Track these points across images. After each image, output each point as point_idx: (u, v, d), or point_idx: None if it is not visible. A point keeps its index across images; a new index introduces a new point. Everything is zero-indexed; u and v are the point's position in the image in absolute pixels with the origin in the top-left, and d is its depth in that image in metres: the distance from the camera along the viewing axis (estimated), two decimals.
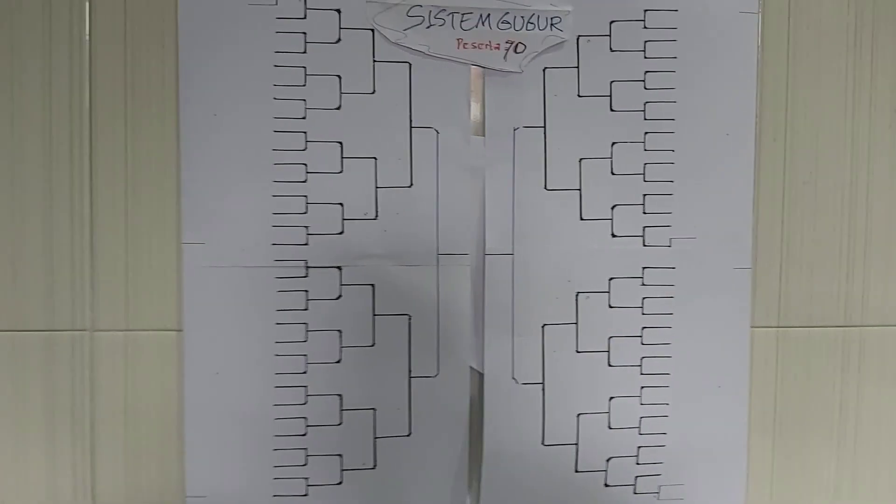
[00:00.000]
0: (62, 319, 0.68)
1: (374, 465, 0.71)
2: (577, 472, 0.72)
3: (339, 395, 0.70)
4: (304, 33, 0.68)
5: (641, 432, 0.73)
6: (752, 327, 0.73)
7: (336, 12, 0.68)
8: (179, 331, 0.68)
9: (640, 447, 0.73)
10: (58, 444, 0.69)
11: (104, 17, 0.67)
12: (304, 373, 0.69)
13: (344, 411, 0.70)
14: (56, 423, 0.69)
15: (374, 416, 0.70)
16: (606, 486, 0.73)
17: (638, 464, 0.73)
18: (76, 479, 0.69)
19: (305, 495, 0.70)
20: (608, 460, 0.73)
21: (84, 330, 0.68)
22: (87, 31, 0.67)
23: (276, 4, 0.67)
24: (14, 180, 0.67)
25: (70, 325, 0.68)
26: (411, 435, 0.71)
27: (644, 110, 0.71)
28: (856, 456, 0.76)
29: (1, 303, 0.68)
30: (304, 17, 0.67)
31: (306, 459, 0.70)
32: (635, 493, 0.73)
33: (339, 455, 0.70)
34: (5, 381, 0.68)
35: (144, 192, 0.68)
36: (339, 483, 0.71)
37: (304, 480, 0.70)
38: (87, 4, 0.67)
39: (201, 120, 0.67)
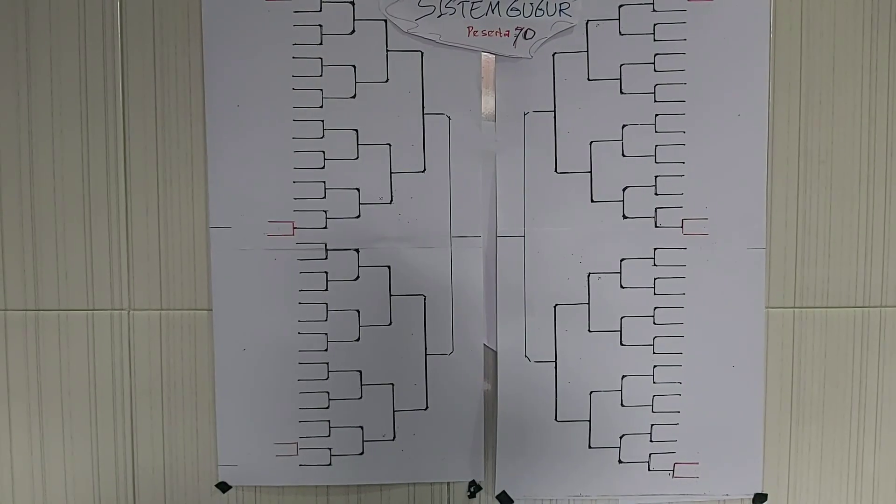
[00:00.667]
0: (102, 300, 0.73)
1: (394, 437, 0.74)
2: (590, 447, 0.74)
3: (360, 371, 0.73)
4: (320, 26, 0.70)
5: (654, 410, 0.74)
6: (767, 307, 0.74)
7: (350, 4, 0.70)
8: (209, 310, 0.73)
9: (653, 425, 0.74)
10: (100, 415, 0.74)
11: (134, 17, 0.71)
12: (326, 350, 0.73)
13: (364, 386, 0.74)
14: (99, 395, 0.74)
15: (393, 390, 0.74)
16: (620, 462, 0.75)
17: (651, 441, 0.74)
18: (116, 448, 0.75)
19: (329, 465, 0.74)
20: (621, 437, 0.74)
21: (123, 309, 0.74)
22: (119, 32, 0.71)
23: None
24: (55, 173, 0.72)
25: (110, 305, 0.73)
26: (428, 409, 0.74)
27: (654, 92, 0.71)
28: (877, 436, 0.75)
29: (47, 285, 0.73)
30: (320, 10, 0.70)
31: (330, 431, 0.74)
32: (649, 471, 0.75)
33: (361, 427, 0.74)
34: (52, 355, 0.74)
35: (175, 181, 0.72)
36: (361, 453, 0.74)
37: (328, 450, 0.74)
38: (119, 7, 0.71)
39: (226, 112, 0.71)
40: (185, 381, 0.74)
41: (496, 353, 0.73)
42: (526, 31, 0.70)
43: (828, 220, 0.73)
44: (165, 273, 0.73)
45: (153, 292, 0.73)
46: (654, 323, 0.73)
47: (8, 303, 0.73)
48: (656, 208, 0.72)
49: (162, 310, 0.73)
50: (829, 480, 0.76)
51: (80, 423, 0.74)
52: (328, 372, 0.73)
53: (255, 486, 0.75)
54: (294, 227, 0.72)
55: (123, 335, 0.73)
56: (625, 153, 0.72)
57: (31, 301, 0.73)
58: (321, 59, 0.71)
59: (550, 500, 0.75)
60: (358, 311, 0.73)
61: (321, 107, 0.71)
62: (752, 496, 0.75)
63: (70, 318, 0.73)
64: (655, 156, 0.72)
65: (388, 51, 0.71)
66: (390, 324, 0.73)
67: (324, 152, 0.71)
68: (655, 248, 0.73)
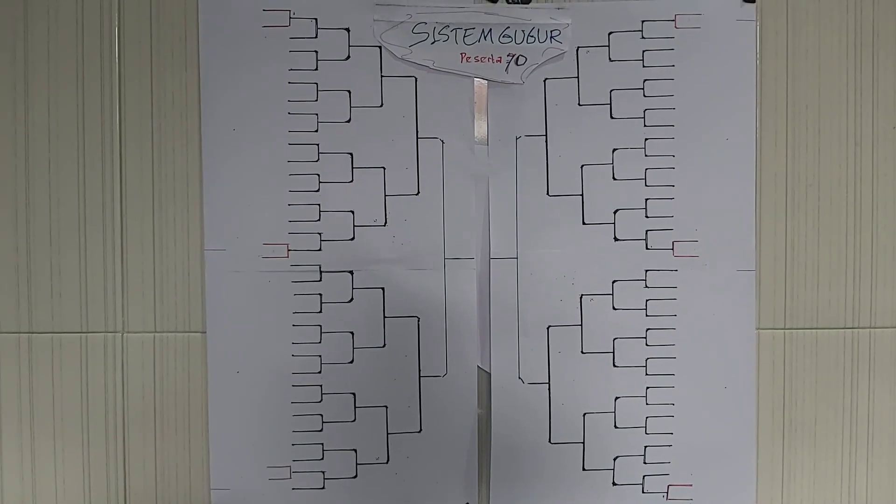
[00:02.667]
0: (97, 322, 0.73)
1: (388, 460, 0.74)
2: (584, 470, 0.74)
3: (353, 394, 0.73)
4: (316, 52, 0.72)
5: (648, 432, 0.74)
6: (757, 329, 0.74)
7: (345, 31, 0.72)
8: (203, 332, 0.73)
9: (646, 447, 0.74)
10: (92, 437, 0.74)
11: (132, 42, 0.72)
12: (319, 372, 0.73)
13: (358, 409, 0.74)
14: (91, 417, 0.74)
15: (387, 413, 0.74)
16: (614, 484, 0.75)
17: (645, 463, 0.74)
18: (109, 470, 0.74)
19: (322, 488, 0.74)
20: (615, 459, 0.74)
21: (117, 332, 0.73)
22: (117, 57, 0.72)
23: (290, 26, 0.71)
24: (51, 195, 0.73)
25: (104, 328, 0.73)
26: (422, 431, 0.74)
27: (644, 117, 0.72)
28: (869, 457, 0.76)
29: (41, 307, 0.73)
30: (316, 37, 0.72)
31: (323, 454, 0.74)
32: (643, 493, 0.75)
33: (354, 450, 0.74)
34: (45, 377, 0.74)
35: (170, 204, 0.73)
36: (355, 476, 0.74)
37: (321, 474, 0.74)
38: (116, 31, 0.72)
39: (222, 136, 0.72)
40: (179, 404, 0.74)
41: (490, 374, 0.73)
42: (518, 58, 0.72)
43: (816, 242, 0.74)
44: (159, 295, 0.73)
45: (147, 315, 0.73)
46: (647, 344, 0.74)
47: (1, 325, 0.73)
48: (647, 231, 0.73)
49: (156, 332, 0.73)
50: (822, 500, 0.76)
51: (72, 446, 0.74)
52: (322, 394, 0.73)
53: None
54: (288, 250, 0.72)
55: (117, 358, 0.73)
56: (615, 176, 0.73)
57: (24, 323, 0.73)
58: (316, 84, 0.72)
59: None
60: (352, 333, 0.73)
61: (316, 131, 0.72)
62: None
63: (63, 341, 0.73)
64: (646, 179, 0.73)
65: (382, 76, 0.72)
66: (384, 346, 0.73)
67: (318, 175, 0.72)
68: (647, 270, 0.73)
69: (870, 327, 0.75)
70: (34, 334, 0.73)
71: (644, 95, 0.72)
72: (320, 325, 0.73)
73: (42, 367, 0.73)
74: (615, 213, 0.73)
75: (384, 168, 0.72)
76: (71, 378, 0.73)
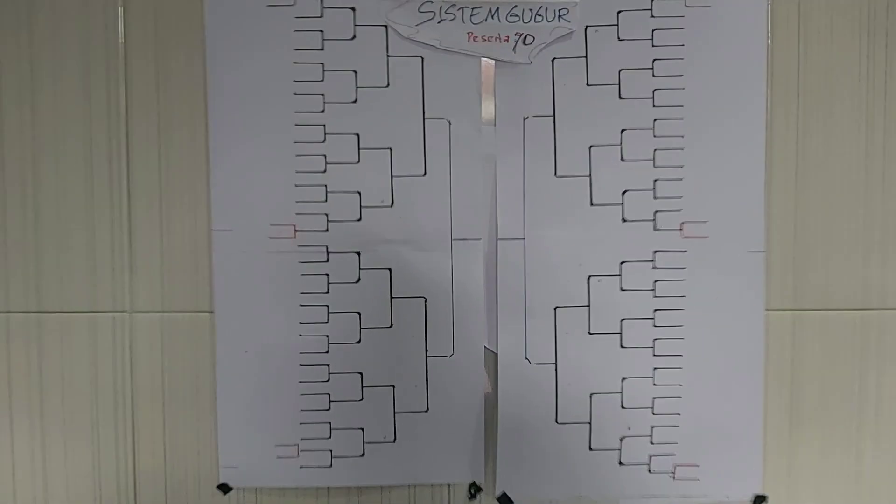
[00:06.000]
0: (104, 302, 0.74)
1: (395, 439, 0.74)
2: (591, 449, 0.74)
3: (360, 374, 0.74)
4: (321, 31, 0.71)
5: (655, 412, 0.74)
6: (766, 310, 0.74)
7: (351, 10, 0.71)
8: (211, 312, 0.73)
9: (653, 427, 0.74)
10: (101, 416, 0.75)
11: (137, 23, 0.72)
12: (327, 352, 0.73)
13: (365, 388, 0.74)
14: (99, 397, 0.74)
15: (394, 392, 0.74)
16: (621, 464, 0.75)
17: (652, 443, 0.75)
18: (118, 450, 0.75)
19: (330, 466, 0.74)
20: (622, 439, 0.75)
21: (124, 311, 0.74)
22: (122, 38, 0.72)
23: (295, 4, 0.71)
24: (58, 176, 0.73)
25: (111, 307, 0.74)
26: (429, 411, 0.74)
27: (653, 97, 0.72)
28: (877, 439, 0.76)
29: (49, 287, 0.74)
30: (321, 16, 0.71)
31: (331, 433, 0.74)
32: (650, 472, 0.75)
33: (361, 429, 0.74)
34: (54, 357, 0.74)
35: (177, 184, 0.73)
36: (362, 455, 0.75)
37: (328, 452, 0.74)
38: (121, 11, 0.72)
39: (228, 116, 0.72)
40: (187, 383, 0.74)
41: (496, 355, 0.74)
42: (525, 37, 0.71)
43: (827, 223, 0.74)
44: (167, 275, 0.73)
45: (155, 294, 0.73)
46: (654, 325, 0.73)
47: (10, 304, 0.73)
48: (655, 211, 0.73)
49: (163, 312, 0.74)
50: (829, 482, 0.76)
51: (81, 425, 0.75)
52: (329, 374, 0.73)
53: (256, 488, 0.75)
54: (296, 230, 0.72)
55: (125, 337, 0.74)
56: (624, 157, 0.72)
57: (32, 303, 0.73)
58: (322, 64, 0.71)
59: (551, 501, 0.75)
60: (359, 314, 0.73)
61: (322, 111, 0.72)
62: (752, 498, 0.75)
63: (71, 320, 0.73)
64: (654, 160, 0.72)
65: (388, 56, 0.71)
66: (391, 326, 0.73)
67: (325, 156, 0.72)
68: (655, 251, 0.73)
69: (880, 309, 0.75)
70: (42, 314, 0.73)
71: (653, 75, 0.71)
72: (327, 306, 0.73)
73: (50, 346, 0.74)
74: (623, 193, 0.73)
75: (391, 149, 0.72)
76: (79, 357, 0.74)
